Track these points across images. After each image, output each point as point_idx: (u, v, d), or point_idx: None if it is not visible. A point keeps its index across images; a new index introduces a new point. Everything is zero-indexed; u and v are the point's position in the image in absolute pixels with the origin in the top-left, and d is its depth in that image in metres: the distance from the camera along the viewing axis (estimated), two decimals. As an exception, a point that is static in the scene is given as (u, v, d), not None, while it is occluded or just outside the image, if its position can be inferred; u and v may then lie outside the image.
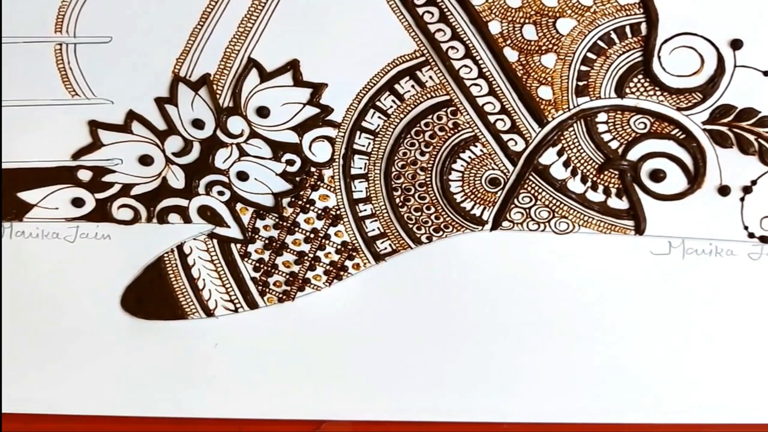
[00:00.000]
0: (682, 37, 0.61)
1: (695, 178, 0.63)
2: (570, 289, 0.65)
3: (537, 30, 0.62)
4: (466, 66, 0.62)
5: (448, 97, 0.63)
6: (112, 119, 0.64)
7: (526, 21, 0.62)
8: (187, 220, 0.65)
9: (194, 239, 0.65)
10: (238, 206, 0.65)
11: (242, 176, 0.64)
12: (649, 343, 0.65)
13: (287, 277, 0.66)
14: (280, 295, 0.66)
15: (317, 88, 0.63)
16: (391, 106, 0.63)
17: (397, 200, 0.64)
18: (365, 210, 0.65)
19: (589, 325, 0.65)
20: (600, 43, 0.62)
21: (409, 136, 0.63)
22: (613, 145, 0.63)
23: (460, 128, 0.63)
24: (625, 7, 0.61)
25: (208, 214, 0.65)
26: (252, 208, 0.65)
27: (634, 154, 0.63)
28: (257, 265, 0.66)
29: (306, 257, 0.65)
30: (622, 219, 0.64)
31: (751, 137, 0.62)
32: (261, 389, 0.67)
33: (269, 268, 0.66)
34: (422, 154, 0.64)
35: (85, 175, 0.64)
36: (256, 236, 0.65)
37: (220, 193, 0.65)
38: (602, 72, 0.62)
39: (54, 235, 0.65)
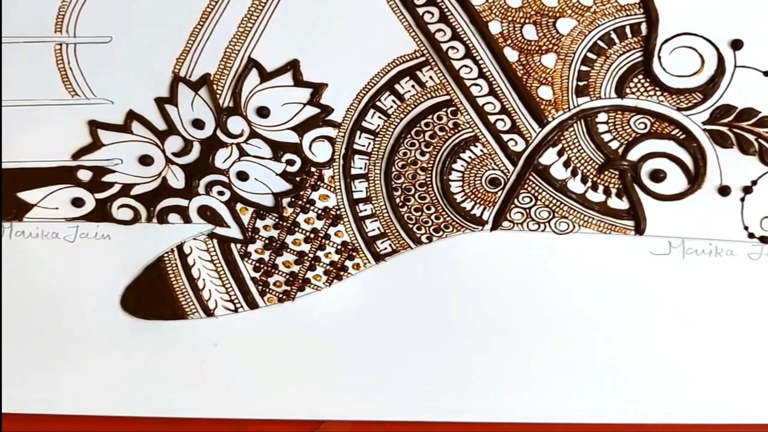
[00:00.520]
0: (683, 37, 0.61)
1: (695, 178, 0.63)
2: (570, 289, 0.65)
3: (537, 30, 0.62)
4: (466, 66, 0.62)
5: (448, 97, 0.63)
6: (112, 119, 0.64)
7: (527, 21, 0.62)
8: (187, 220, 0.65)
9: (194, 239, 0.65)
10: (238, 206, 0.65)
11: (242, 176, 0.64)
12: (649, 343, 0.65)
13: (287, 277, 0.66)
14: (280, 295, 0.66)
15: (317, 88, 0.63)
16: (392, 106, 0.63)
17: (398, 200, 0.64)
18: (365, 210, 0.65)
19: (589, 325, 0.65)
20: (600, 43, 0.62)
21: (409, 136, 0.63)
22: (614, 145, 0.63)
23: (460, 128, 0.63)
24: (625, 7, 0.61)
25: (208, 214, 0.65)
26: (252, 208, 0.65)
27: (634, 155, 0.63)
28: (257, 265, 0.66)
29: (306, 257, 0.65)
30: (622, 219, 0.64)
31: (752, 137, 0.62)
32: (261, 389, 0.67)
33: (269, 268, 0.66)
34: (422, 154, 0.64)
35: (85, 175, 0.64)
36: (256, 236, 0.65)
37: (220, 193, 0.65)
38: (602, 72, 0.62)
39: (54, 235, 0.65)
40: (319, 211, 0.65)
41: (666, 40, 0.61)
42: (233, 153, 0.64)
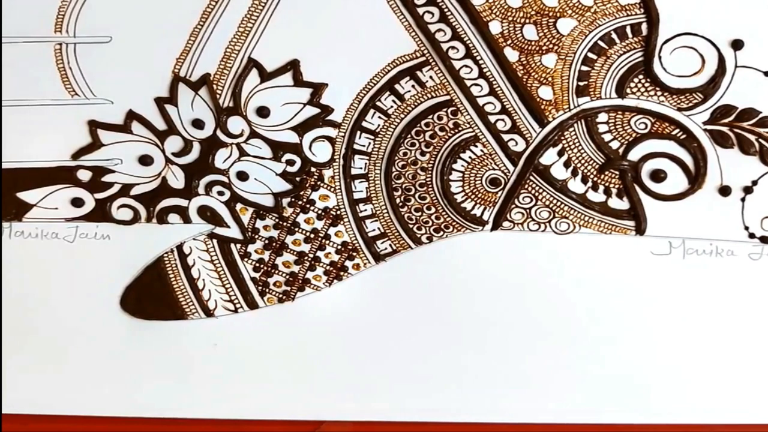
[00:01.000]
0: (683, 37, 0.61)
1: (696, 178, 0.63)
2: (570, 289, 0.65)
3: (537, 30, 0.61)
4: (466, 66, 0.62)
5: (448, 97, 0.63)
6: (112, 119, 0.63)
7: (527, 21, 0.61)
8: (186, 220, 0.65)
9: (194, 239, 0.65)
10: (238, 206, 0.65)
11: (242, 176, 0.64)
12: (649, 343, 0.65)
13: (287, 277, 0.66)
14: (280, 296, 0.66)
15: (317, 88, 0.63)
16: (392, 106, 0.63)
17: (398, 200, 0.64)
18: (365, 210, 0.65)
19: (589, 326, 0.65)
20: (600, 43, 0.61)
21: (409, 136, 0.63)
22: (614, 145, 0.63)
23: (460, 128, 0.63)
24: (625, 7, 0.61)
25: (207, 214, 0.65)
26: (252, 208, 0.65)
27: (634, 155, 0.63)
28: (257, 265, 0.66)
29: (306, 257, 0.65)
30: (622, 219, 0.64)
31: (752, 137, 0.62)
32: (261, 389, 0.67)
33: (269, 269, 0.66)
34: (423, 154, 0.64)
35: (84, 175, 0.64)
36: (256, 236, 0.65)
37: (220, 193, 0.65)
38: (603, 72, 0.62)
39: (53, 235, 0.65)
40: (319, 211, 0.65)
41: (666, 40, 0.61)
42: (233, 153, 0.64)
